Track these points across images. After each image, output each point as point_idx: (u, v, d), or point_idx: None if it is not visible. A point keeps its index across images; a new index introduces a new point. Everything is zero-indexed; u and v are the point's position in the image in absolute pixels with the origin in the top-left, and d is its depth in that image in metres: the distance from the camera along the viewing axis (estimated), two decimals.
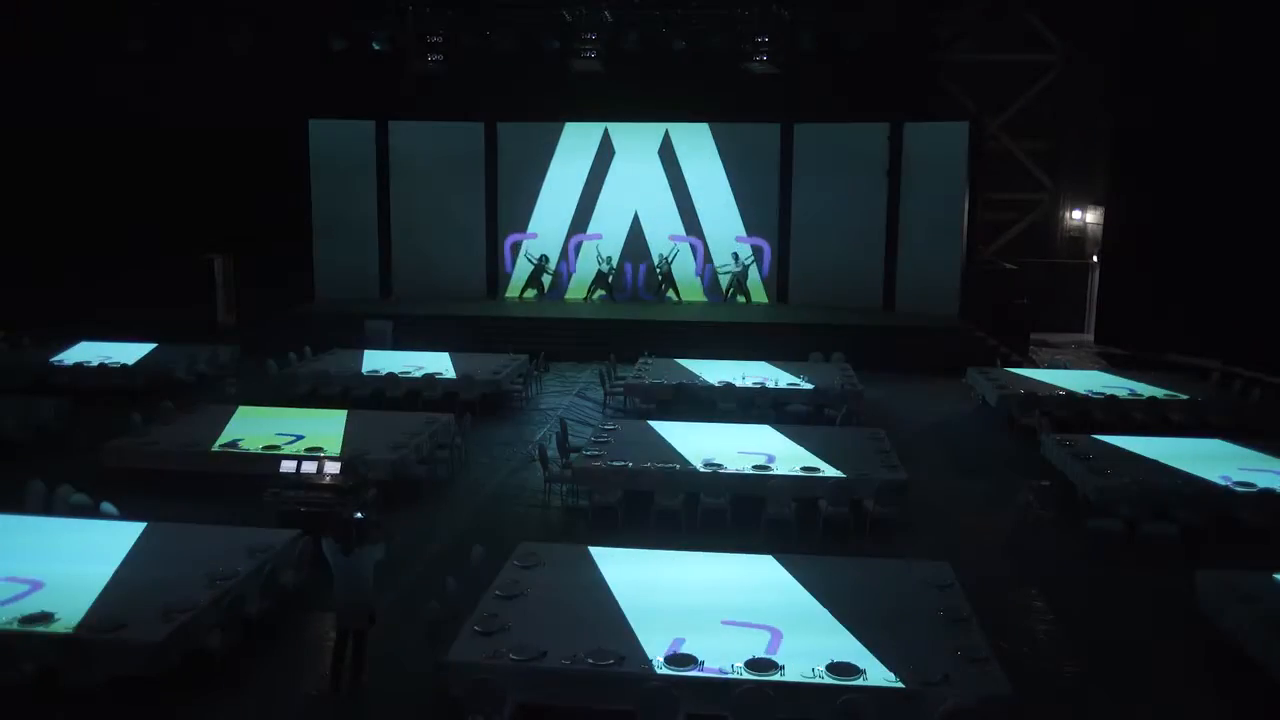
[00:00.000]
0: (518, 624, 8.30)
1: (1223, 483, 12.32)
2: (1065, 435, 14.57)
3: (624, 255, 26.14)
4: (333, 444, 13.29)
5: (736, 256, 25.77)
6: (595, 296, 25.92)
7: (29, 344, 20.24)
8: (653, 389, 17.63)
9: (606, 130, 25.90)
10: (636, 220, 26.12)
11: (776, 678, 7.53)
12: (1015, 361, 21.95)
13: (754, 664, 7.67)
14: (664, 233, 26.09)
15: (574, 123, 25.76)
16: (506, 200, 26.19)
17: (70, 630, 8.03)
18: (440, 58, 22.96)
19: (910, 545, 11.61)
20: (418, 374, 18.13)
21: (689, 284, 26.17)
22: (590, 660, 7.70)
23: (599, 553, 9.88)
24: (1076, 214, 27.85)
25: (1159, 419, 16.49)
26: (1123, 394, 17.17)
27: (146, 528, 10.29)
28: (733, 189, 25.82)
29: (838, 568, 9.69)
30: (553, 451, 13.91)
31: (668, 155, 25.91)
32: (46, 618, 8.17)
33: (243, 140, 24.42)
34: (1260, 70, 21.08)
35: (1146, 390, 17.43)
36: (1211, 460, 13.26)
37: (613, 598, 8.87)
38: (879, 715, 7.29)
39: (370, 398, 17.54)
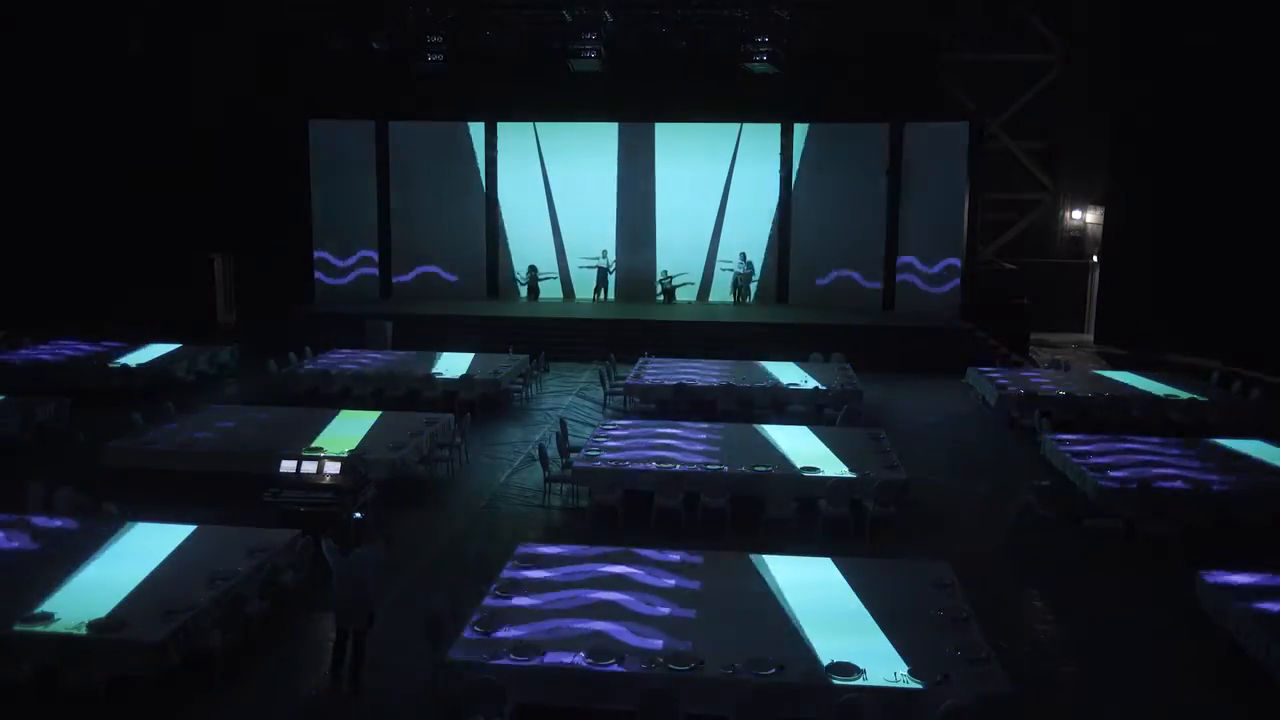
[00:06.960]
0: (518, 624, 8.31)
1: (1222, 482, 12.32)
2: (1065, 435, 14.58)
3: (621, 253, 26.15)
4: (333, 444, 13.29)
5: (743, 256, 25.72)
6: (603, 296, 25.89)
7: (29, 344, 20.23)
8: (653, 389, 17.64)
9: (606, 130, 25.85)
10: (636, 220, 26.13)
11: (776, 678, 7.54)
12: (1015, 361, 21.95)
13: (754, 663, 7.66)
14: (664, 232, 26.08)
15: (573, 123, 25.72)
16: (507, 200, 26.20)
17: (70, 630, 8.03)
18: (440, 58, 22.94)
19: (910, 545, 11.61)
20: (418, 374, 18.14)
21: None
22: (590, 660, 7.71)
23: (599, 552, 9.88)
24: (1076, 214, 27.85)
25: (1159, 419, 16.50)
26: (1123, 394, 17.17)
27: (147, 528, 10.29)
28: (732, 189, 25.78)
29: (837, 568, 9.68)
30: (553, 451, 13.91)
31: (668, 155, 25.88)
32: (47, 618, 8.17)
33: (243, 140, 24.41)
34: (1260, 70, 21.09)
35: (1147, 390, 17.44)
36: (1211, 460, 13.27)
37: (613, 597, 8.87)
38: (879, 715, 7.29)
39: (370, 398, 17.55)
